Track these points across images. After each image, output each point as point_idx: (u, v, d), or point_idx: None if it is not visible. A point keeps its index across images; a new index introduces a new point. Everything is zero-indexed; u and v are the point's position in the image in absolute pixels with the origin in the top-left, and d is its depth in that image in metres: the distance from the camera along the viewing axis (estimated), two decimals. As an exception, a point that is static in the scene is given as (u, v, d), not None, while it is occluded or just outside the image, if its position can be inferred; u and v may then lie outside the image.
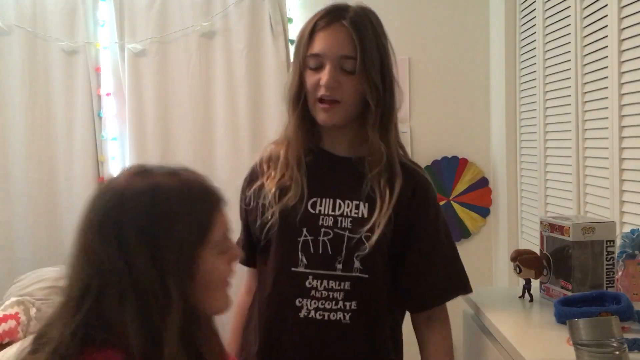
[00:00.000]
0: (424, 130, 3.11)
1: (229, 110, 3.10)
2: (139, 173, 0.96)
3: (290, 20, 3.08)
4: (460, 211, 3.11)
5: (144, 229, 0.89)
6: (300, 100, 1.38)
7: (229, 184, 3.31)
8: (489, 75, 3.09)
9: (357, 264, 1.35)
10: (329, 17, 1.34)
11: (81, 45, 3.12)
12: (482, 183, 3.11)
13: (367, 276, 1.35)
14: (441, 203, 3.07)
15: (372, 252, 1.34)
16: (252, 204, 1.45)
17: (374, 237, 1.33)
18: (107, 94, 3.17)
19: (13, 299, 2.55)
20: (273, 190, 1.40)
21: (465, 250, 3.12)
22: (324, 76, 1.32)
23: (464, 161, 3.11)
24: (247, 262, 1.53)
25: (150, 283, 0.87)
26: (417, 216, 1.40)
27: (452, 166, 3.10)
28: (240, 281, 1.48)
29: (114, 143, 3.19)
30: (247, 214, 1.48)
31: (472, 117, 3.11)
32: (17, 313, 2.49)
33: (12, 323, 2.45)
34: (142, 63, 3.12)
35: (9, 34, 3.11)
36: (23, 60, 3.12)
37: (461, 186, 3.11)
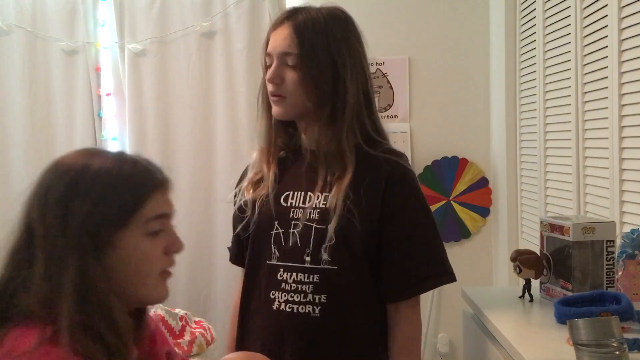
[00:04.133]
0: (424, 130, 3.10)
1: (229, 110, 3.10)
2: (85, 152, 0.98)
3: (290, 20, 3.09)
4: (460, 211, 3.11)
5: (60, 202, 0.92)
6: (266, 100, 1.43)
7: (228, 183, 3.30)
8: (489, 75, 3.09)
9: (324, 256, 1.35)
10: (280, 19, 1.39)
11: (81, 45, 3.12)
12: (482, 183, 3.11)
13: (335, 268, 1.35)
14: (441, 203, 3.07)
15: (339, 242, 1.34)
16: (235, 200, 1.49)
17: (335, 227, 1.33)
18: (107, 94, 3.17)
19: None
20: (247, 187, 1.45)
21: (465, 250, 3.13)
22: (268, 72, 1.37)
23: (464, 161, 3.11)
24: (237, 260, 1.55)
25: (56, 253, 0.90)
26: (394, 207, 1.38)
27: (452, 166, 3.09)
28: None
29: (114, 143, 3.19)
30: (233, 210, 1.51)
31: (472, 117, 3.11)
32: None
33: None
34: (142, 63, 3.12)
35: (9, 34, 3.11)
36: (23, 60, 3.12)
37: (461, 186, 3.11)
